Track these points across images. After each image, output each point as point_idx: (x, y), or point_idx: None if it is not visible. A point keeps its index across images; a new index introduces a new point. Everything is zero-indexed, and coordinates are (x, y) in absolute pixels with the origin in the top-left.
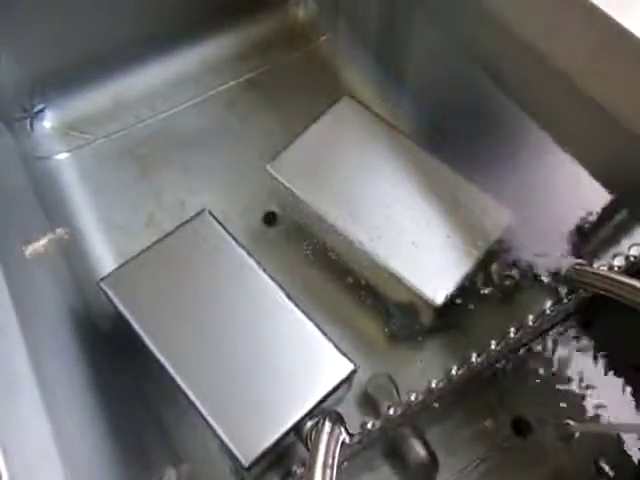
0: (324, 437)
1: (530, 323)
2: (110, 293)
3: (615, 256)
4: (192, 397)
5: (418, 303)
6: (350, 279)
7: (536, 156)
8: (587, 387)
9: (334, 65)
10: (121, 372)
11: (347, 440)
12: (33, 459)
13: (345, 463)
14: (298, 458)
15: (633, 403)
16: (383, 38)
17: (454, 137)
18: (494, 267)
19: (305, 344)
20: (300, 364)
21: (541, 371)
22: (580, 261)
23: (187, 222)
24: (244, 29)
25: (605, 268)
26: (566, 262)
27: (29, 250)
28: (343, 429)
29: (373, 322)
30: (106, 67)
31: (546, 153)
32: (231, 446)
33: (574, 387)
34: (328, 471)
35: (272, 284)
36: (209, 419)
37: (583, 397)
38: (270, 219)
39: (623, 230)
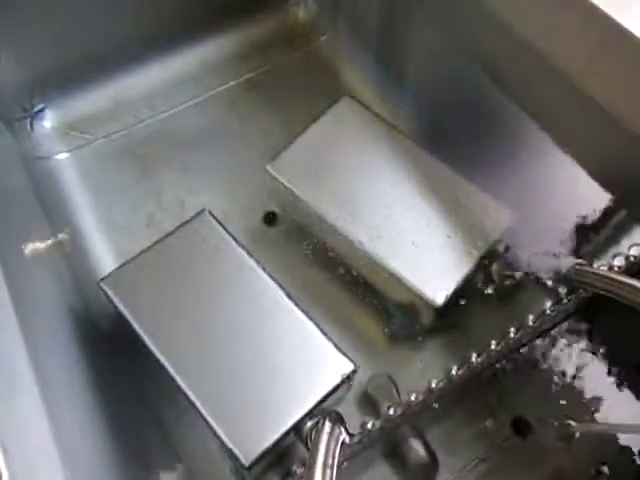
0: (324, 437)
1: (530, 323)
2: (110, 293)
3: (615, 256)
4: (192, 397)
5: (418, 303)
6: (350, 279)
7: (536, 156)
8: (587, 387)
9: (334, 65)
10: (121, 372)
11: (347, 440)
12: (33, 458)
13: (345, 463)
14: (298, 458)
15: (633, 403)
16: (383, 38)
17: (454, 137)
18: (494, 267)
19: (305, 344)
20: (300, 364)
21: (541, 371)
22: (580, 261)
23: (187, 222)
24: (244, 29)
25: (605, 268)
26: (566, 262)
27: (29, 250)
28: (343, 429)
29: (373, 322)
30: (106, 67)
31: (546, 153)
32: (231, 446)
33: (574, 387)
34: (328, 471)
35: (272, 284)
36: (209, 419)
37: (583, 397)
38: (270, 219)
39: (623, 230)
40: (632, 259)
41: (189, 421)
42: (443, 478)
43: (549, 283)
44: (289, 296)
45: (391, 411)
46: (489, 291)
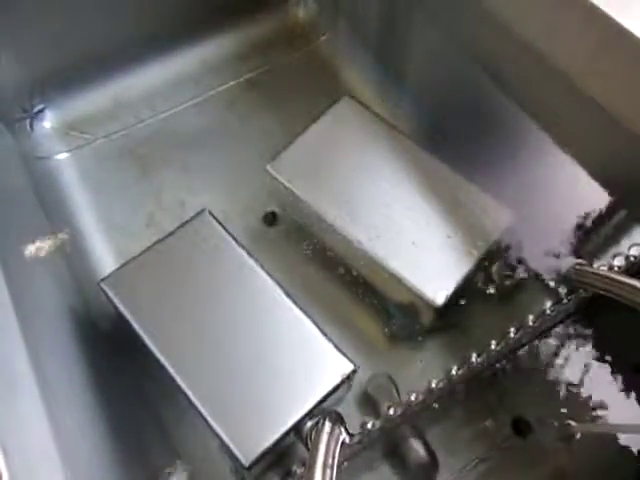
0: (324, 437)
1: (530, 323)
2: (110, 293)
3: (615, 256)
4: (192, 397)
5: (418, 303)
6: (350, 279)
7: (536, 156)
8: (587, 387)
9: (334, 65)
10: (121, 372)
11: (347, 440)
12: (33, 459)
13: (345, 463)
14: (298, 458)
15: (633, 403)
16: (383, 38)
17: (454, 137)
18: (494, 267)
19: (305, 344)
20: (300, 364)
21: (541, 371)
22: (580, 261)
23: (187, 222)
24: (244, 29)
25: (605, 268)
26: (566, 262)
27: (29, 250)
28: (343, 429)
29: (373, 322)
30: (106, 67)
31: (546, 153)
32: (231, 446)
33: (574, 387)
34: (328, 471)
35: (272, 284)
36: (209, 419)
37: (583, 397)
38: (270, 219)
39: (623, 230)
40: (632, 259)
41: (189, 421)
42: (443, 478)
43: (549, 283)
44: (289, 296)
45: (391, 411)
46: (489, 291)
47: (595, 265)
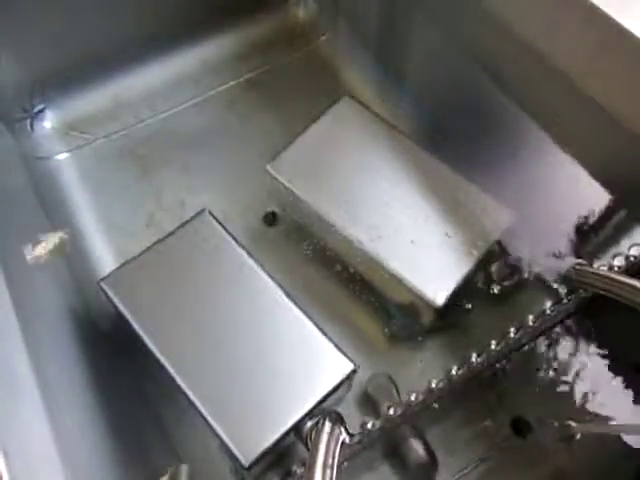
0: (324, 437)
1: (530, 323)
2: (110, 293)
3: (615, 256)
4: (192, 397)
5: (419, 304)
6: (349, 279)
7: (536, 156)
8: (587, 387)
9: (334, 65)
10: (121, 372)
11: (347, 440)
12: (34, 460)
13: (345, 463)
14: (298, 458)
15: (633, 403)
16: (383, 38)
17: (454, 137)
18: (494, 267)
19: (305, 344)
20: (300, 364)
21: (541, 371)
22: (580, 261)
23: (187, 222)
24: (244, 29)
25: (605, 268)
26: (566, 262)
27: (29, 250)
28: (343, 429)
29: (373, 322)
30: (106, 67)
31: (546, 153)
32: (231, 446)
33: (574, 387)
34: (328, 471)
35: (272, 284)
36: (209, 419)
37: (583, 397)
38: (270, 219)
39: (623, 230)
40: (632, 259)
41: (189, 421)
42: (443, 478)
43: (549, 283)
44: (289, 296)
45: (391, 411)
46: (489, 291)
47: (595, 265)
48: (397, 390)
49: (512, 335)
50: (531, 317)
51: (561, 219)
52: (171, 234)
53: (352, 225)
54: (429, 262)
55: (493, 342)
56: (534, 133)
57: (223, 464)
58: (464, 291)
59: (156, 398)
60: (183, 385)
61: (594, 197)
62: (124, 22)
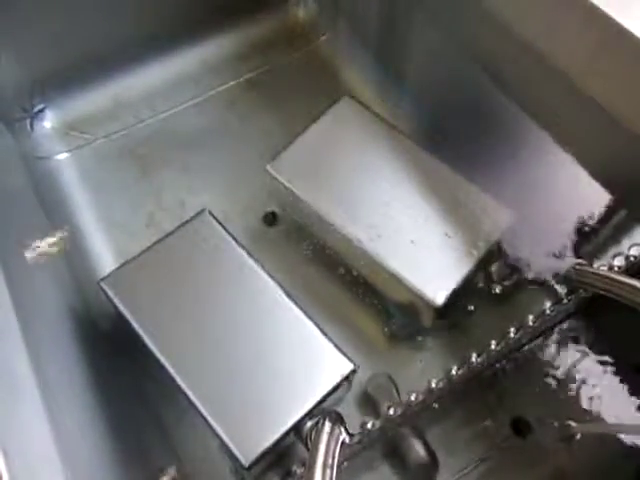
0: (324, 437)
1: (530, 323)
2: (110, 293)
3: (615, 256)
4: (192, 397)
5: (418, 303)
6: (350, 278)
7: (536, 156)
8: (587, 387)
9: (334, 65)
10: (121, 372)
11: (347, 440)
12: (33, 460)
13: (345, 463)
14: (298, 458)
15: (633, 403)
16: (383, 38)
17: (454, 137)
18: (494, 267)
19: (305, 344)
20: (300, 364)
21: (541, 371)
22: (580, 261)
23: (187, 222)
24: (244, 29)
25: (605, 268)
26: (566, 262)
27: (29, 250)
28: (343, 429)
29: (373, 322)
30: (106, 67)
31: (546, 153)
32: (231, 446)
33: (574, 387)
34: (328, 471)
35: (272, 284)
36: (209, 419)
37: (583, 397)
38: (270, 219)
39: (623, 230)
40: (632, 259)
41: (189, 421)
42: (443, 478)
43: (549, 283)
44: (289, 296)
45: (391, 411)
46: (489, 291)
47: (595, 265)
48: (397, 390)
49: (512, 335)
50: (531, 317)
51: (561, 219)
52: (171, 234)
53: (352, 225)
54: (429, 262)
55: (493, 342)
56: (534, 133)
57: (223, 464)
58: (464, 291)
59: (156, 398)
60: (183, 385)
61: (594, 197)
62: (124, 22)
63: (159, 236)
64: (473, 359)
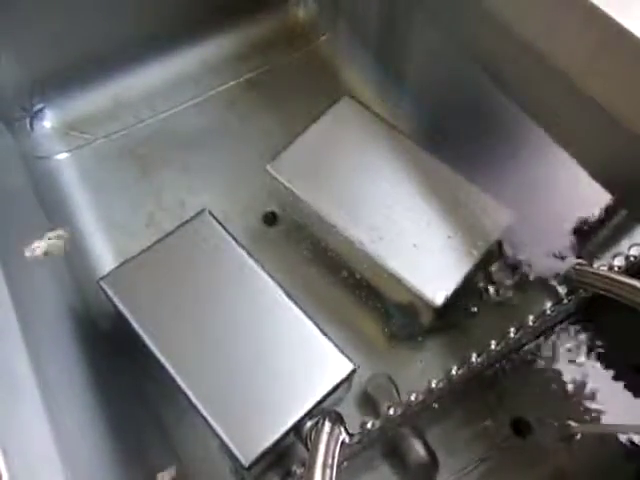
0: (324, 437)
1: (530, 323)
2: (110, 292)
3: (615, 256)
4: (192, 397)
5: (418, 304)
6: (350, 279)
7: (536, 156)
8: (587, 387)
9: (334, 65)
10: (121, 372)
11: (347, 440)
12: (33, 460)
13: (345, 463)
14: (298, 458)
15: (633, 403)
16: (383, 38)
17: (454, 137)
18: (494, 267)
19: (305, 344)
20: (300, 364)
21: (541, 371)
22: (580, 261)
23: (187, 222)
24: (244, 29)
25: (605, 268)
26: (566, 262)
27: (29, 250)
28: (343, 429)
29: (373, 322)
30: (106, 67)
31: (546, 153)
32: (231, 446)
33: (574, 387)
34: (328, 471)
35: (272, 284)
36: (209, 419)
37: (583, 397)
38: (270, 219)
39: (623, 230)
40: (632, 259)
41: (189, 421)
42: (443, 478)
43: (549, 283)
44: (289, 296)
45: (391, 411)
46: (489, 291)
47: (595, 265)
48: (397, 390)
49: (512, 335)
50: (531, 317)
51: (561, 219)
52: (171, 234)
53: (352, 225)
54: (429, 262)
55: (493, 342)
56: (534, 133)
57: (223, 464)
58: (464, 291)
59: (156, 398)
60: (183, 385)
61: (594, 197)
62: (124, 22)
63: (159, 236)
64: (473, 359)
